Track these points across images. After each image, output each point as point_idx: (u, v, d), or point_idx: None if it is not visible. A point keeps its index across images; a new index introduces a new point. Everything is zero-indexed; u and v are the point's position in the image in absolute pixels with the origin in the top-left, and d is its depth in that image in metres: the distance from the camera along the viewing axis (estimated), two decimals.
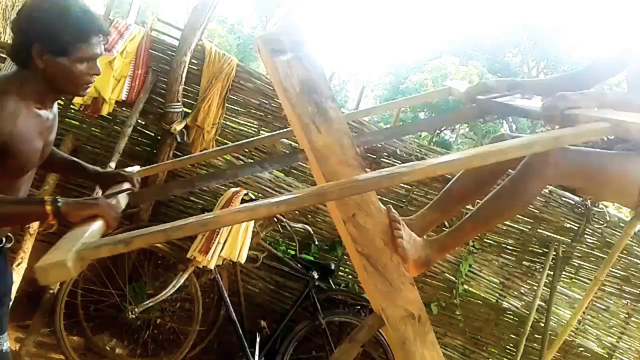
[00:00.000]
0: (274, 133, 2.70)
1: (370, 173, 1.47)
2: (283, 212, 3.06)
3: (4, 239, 1.78)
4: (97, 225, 1.42)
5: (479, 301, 3.98)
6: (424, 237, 1.91)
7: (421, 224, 2.03)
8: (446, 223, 3.35)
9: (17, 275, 3.02)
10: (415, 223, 2.01)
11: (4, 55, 3.29)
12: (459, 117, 2.52)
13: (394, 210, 1.74)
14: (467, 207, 3.01)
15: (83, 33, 1.54)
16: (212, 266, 3.17)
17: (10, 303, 2.02)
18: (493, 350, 4.03)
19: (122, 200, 1.78)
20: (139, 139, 3.65)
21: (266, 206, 1.34)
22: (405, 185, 3.84)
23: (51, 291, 3.13)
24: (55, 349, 3.16)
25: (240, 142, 2.53)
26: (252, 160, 3.66)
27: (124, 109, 3.56)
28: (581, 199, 3.87)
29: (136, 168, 2.13)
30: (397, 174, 1.41)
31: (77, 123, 3.61)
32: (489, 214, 1.83)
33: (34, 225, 3.12)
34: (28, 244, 3.09)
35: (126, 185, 1.89)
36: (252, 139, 3.34)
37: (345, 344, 2.07)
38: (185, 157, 2.56)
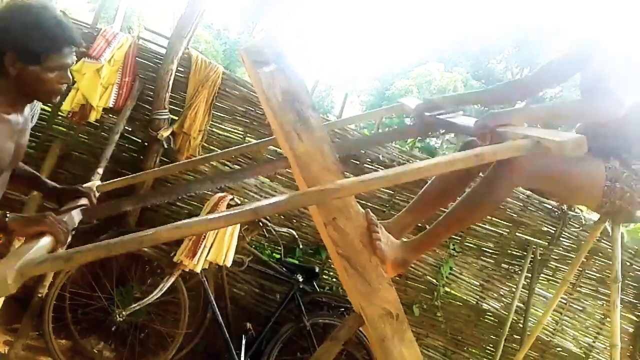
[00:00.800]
0: (259, 141, 2.79)
1: (347, 179, 1.57)
2: (263, 217, 3.15)
3: None
4: (45, 242, 1.45)
5: (459, 303, 4.08)
6: (401, 239, 2.00)
7: (398, 226, 2.12)
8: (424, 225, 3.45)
9: None
10: (393, 226, 2.11)
11: None
12: (405, 133, 2.58)
13: (372, 214, 1.84)
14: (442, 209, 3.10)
15: (55, 43, 1.59)
16: (198, 270, 3.23)
17: None
18: (473, 350, 4.13)
19: (76, 215, 1.83)
20: (127, 145, 3.71)
21: (248, 212, 1.43)
22: (388, 191, 3.93)
23: (40, 295, 3.18)
24: (43, 352, 3.20)
25: (227, 149, 2.62)
26: (238, 167, 3.74)
27: (111, 115, 3.63)
28: (557, 203, 3.99)
29: (97, 183, 2.18)
30: (371, 180, 1.51)
31: (64, 130, 3.67)
32: (460, 216, 1.93)
33: None
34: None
35: (82, 201, 1.93)
36: (237, 146, 3.42)
37: (327, 342, 2.15)
38: (170, 165, 2.64)
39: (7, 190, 1.83)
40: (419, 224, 2.84)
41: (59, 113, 3.59)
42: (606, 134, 2.00)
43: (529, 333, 4.01)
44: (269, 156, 3.78)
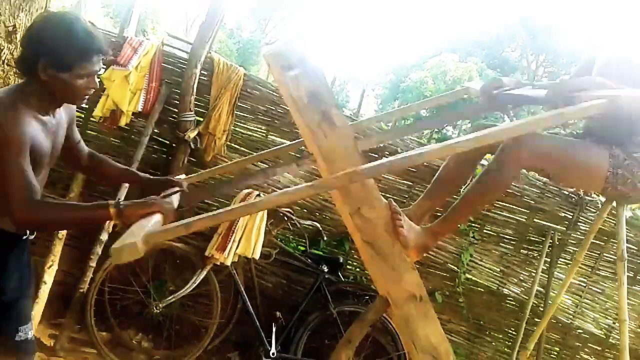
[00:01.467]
0: (292, 142, 2.89)
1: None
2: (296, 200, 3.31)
3: (28, 232, 1.99)
4: (157, 218, 1.66)
5: (480, 289, 4.20)
6: (421, 225, 2.14)
7: (418, 213, 2.26)
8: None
9: (49, 276, 3.27)
10: (413, 213, 2.25)
11: None
12: (476, 110, 2.66)
13: (395, 203, 1.98)
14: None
15: (84, 52, 1.75)
16: (228, 263, 3.40)
17: (35, 295, 2.19)
18: (495, 334, 4.25)
19: (175, 200, 2.04)
20: (155, 147, 3.88)
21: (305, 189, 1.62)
22: (407, 182, 4.06)
23: (81, 290, 3.37)
24: (86, 344, 3.40)
25: (267, 150, 2.78)
26: (266, 166, 3.88)
27: (140, 119, 3.79)
28: (575, 191, 4.08)
29: (182, 176, 2.38)
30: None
31: (97, 134, 3.85)
32: (472, 199, 2.06)
33: (63, 231, 3.37)
34: (57, 248, 3.33)
35: (176, 189, 2.13)
36: (273, 148, 3.59)
37: (356, 323, 2.31)
38: (219, 166, 2.80)
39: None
40: (437, 211, 2.96)
41: (91, 119, 3.77)
42: (611, 124, 2.11)
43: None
44: (293, 154, 3.92)
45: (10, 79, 3.64)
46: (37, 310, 3.16)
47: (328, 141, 1.89)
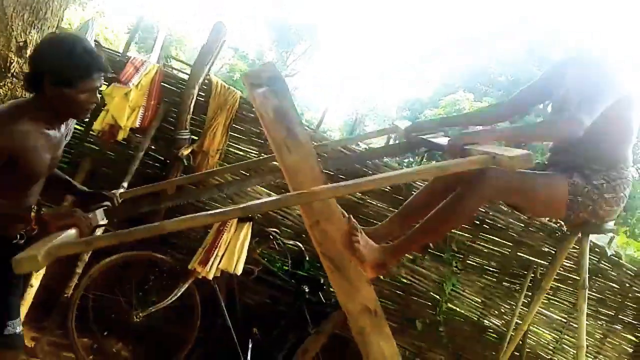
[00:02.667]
0: (267, 156, 3.04)
1: (323, 186, 1.83)
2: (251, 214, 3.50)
3: (18, 236, 2.12)
4: (71, 233, 1.74)
5: (461, 319, 4.24)
6: (381, 244, 2.22)
7: (380, 233, 2.35)
8: None
9: (36, 280, 3.38)
10: (376, 233, 2.34)
11: None
12: (394, 150, 2.83)
13: (354, 220, 2.08)
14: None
15: (85, 70, 1.93)
16: (210, 277, 3.50)
17: (23, 294, 2.31)
18: None
19: (99, 215, 2.14)
20: (150, 162, 4.02)
21: (237, 210, 1.70)
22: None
23: (65, 295, 3.48)
24: (66, 349, 3.49)
25: (234, 164, 2.90)
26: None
27: (137, 135, 3.94)
28: (558, 224, 4.14)
29: (120, 190, 2.49)
30: (342, 187, 1.78)
31: (95, 147, 4.01)
32: (435, 224, 2.14)
33: None
34: None
35: (105, 204, 2.26)
36: (242, 162, 3.72)
37: (313, 335, 2.39)
38: (185, 176, 2.92)
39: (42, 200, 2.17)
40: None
41: (90, 132, 3.92)
42: (570, 151, 2.21)
43: (529, 350, 4.15)
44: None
45: (17, 91, 3.82)
46: (22, 312, 3.25)
47: (292, 156, 2.00)
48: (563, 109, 2.22)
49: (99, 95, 2.05)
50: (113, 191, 2.40)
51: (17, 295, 2.30)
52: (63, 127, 2.13)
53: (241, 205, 1.70)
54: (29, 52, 3.76)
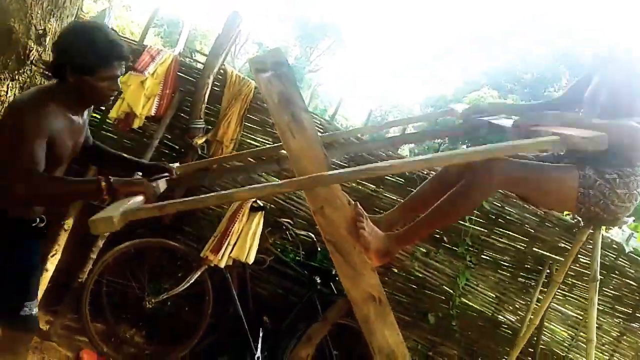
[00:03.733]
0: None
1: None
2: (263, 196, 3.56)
3: (37, 219, 2.17)
4: (139, 199, 1.83)
5: (475, 314, 4.19)
6: (387, 232, 2.21)
7: (388, 221, 2.34)
8: None
9: (52, 265, 3.44)
10: (383, 221, 2.33)
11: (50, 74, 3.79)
12: (450, 132, 2.80)
13: (360, 207, 2.07)
14: None
15: (106, 58, 1.97)
16: (222, 265, 3.51)
17: (41, 276, 2.37)
18: None
19: (162, 184, 2.25)
20: (165, 151, 4.05)
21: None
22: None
23: (79, 280, 3.53)
24: (80, 333, 3.55)
25: (244, 151, 2.90)
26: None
27: (152, 123, 3.98)
28: (575, 220, 4.07)
29: (176, 164, 2.56)
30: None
31: (111, 135, 4.06)
32: (441, 213, 2.13)
33: (68, 222, 3.55)
34: (62, 238, 3.51)
35: (166, 175, 2.35)
36: (252, 149, 3.73)
37: (318, 322, 2.38)
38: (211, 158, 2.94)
39: None
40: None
41: (107, 120, 3.97)
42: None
43: (543, 347, 4.09)
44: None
45: (36, 78, 3.89)
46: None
47: (296, 141, 2.00)
48: (595, 102, 2.17)
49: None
50: (171, 164, 2.48)
51: (37, 277, 2.36)
52: (85, 113, 2.17)
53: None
54: (48, 40, 3.82)
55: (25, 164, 1.86)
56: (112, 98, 2.16)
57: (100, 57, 1.95)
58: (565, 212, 4.05)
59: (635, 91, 2.08)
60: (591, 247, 3.94)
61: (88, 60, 1.93)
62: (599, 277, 2.38)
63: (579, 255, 4.11)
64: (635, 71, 2.13)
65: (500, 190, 4.06)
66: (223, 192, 1.82)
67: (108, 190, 1.86)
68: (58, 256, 3.48)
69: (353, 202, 2.07)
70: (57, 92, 2.00)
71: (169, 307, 3.83)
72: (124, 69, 2.09)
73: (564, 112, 2.11)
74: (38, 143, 1.88)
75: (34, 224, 2.16)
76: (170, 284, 3.73)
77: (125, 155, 2.48)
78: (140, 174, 2.31)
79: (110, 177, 1.87)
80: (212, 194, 1.75)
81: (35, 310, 2.27)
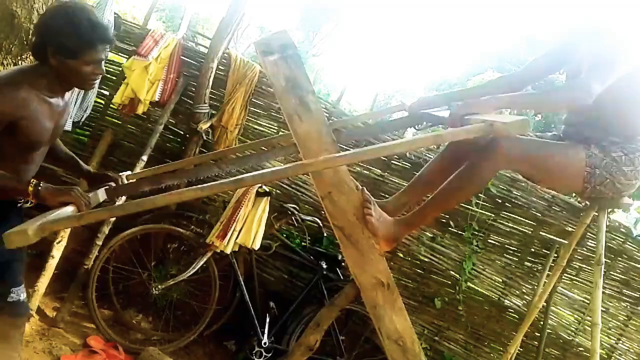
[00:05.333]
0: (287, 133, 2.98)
1: (336, 154, 1.79)
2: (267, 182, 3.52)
3: (22, 199, 2.12)
4: (68, 209, 1.75)
5: (481, 298, 4.17)
6: (394, 217, 2.19)
7: (394, 206, 2.32)
8: None
9: (57, 251, 3.43)
10: (389, 205, 2.30)
11: None
12: (398, 124, 2.78)
13: (367, 192, 2.04)
14: None
15: (89, 41, 1.89)
16: (228, 251, 3.50)
17: (24, 260, 2.32)
18: (494, 345, 4.21)
19: (100, 194, 2.15)
20: (170, 136, 4.04)
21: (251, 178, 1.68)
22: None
23: (85, 267, 3.53)
24: (87, 319, 3.55)
25: (253, 142, 2.87)
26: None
27: (156, 109, 3.96)
28: (582, 204, 4.03)
29: (127, 173, 2.48)
30: (352, 155, 1.74)
31: (115, 120, 4.04)
32: (446, 195, 2.10)
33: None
34: None
35: (110, 184, 2.26)
36: (263, 139, 3.69)
37: (326, 308, 2.37)
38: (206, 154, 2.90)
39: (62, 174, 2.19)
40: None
41: (111, 105, 3.95)
42: (585, 122, 2.13)
43: (550, 331, 4.08)
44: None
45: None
46: (43, 282, 3.32)
47: (303, 125, 1.97)
48: (575, 77, 2.12)
49: (104, 67, 2.03)
50: (120, 173, 2.41)
51: (22, 261, 2.29)
52: (68, 94, 2.11)
53: (254, 173, 1.68)
54: None
55: None
56: (97, 82, 2.09)
57: (84, 40, 1.87)
58: (573, 195, 4.01)
59: (599, 58, 1.98)
60: (613, 236, 3.98)
61: (71, 43, 1.85)
62: (604, 260, 2.35)
63: (586, 239, 4.09)
64: (606, 41, 2.03)
65: (507, 174, 4.04)
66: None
67: (34, 196, 1.81)
68: (64, 243, 3.47)
69: (360, 188, 2.04)
70: (36, 73, 1.92)
71: (176, 293, 3.83)
72: (108, 53, 2.04)
73: (499, 94, 2.05)
74: None
75: (18, 204, 2.12)
76: (177, 270, 3.73)
77: (77, 159, 2.38)
78: (85, 182, 2.23)
79: (41, 183, 1.82)
80: (166, 193, 1.61)
81: (23, 296, 2.22)
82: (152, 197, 1.59)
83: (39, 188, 1.81)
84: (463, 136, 1.60)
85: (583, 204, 4.00)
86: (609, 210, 2.62)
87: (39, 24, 1.94)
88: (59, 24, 1.87)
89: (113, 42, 2.04)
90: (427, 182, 2.34)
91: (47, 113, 1.97)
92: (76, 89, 2.28)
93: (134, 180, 2.45)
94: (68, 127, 3.62)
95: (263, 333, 3.58)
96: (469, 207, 4.03)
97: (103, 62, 1.99)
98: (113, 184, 2.28)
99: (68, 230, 3.49)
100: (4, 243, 1.50)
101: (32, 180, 1.83)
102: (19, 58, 3.68)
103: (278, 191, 4.01)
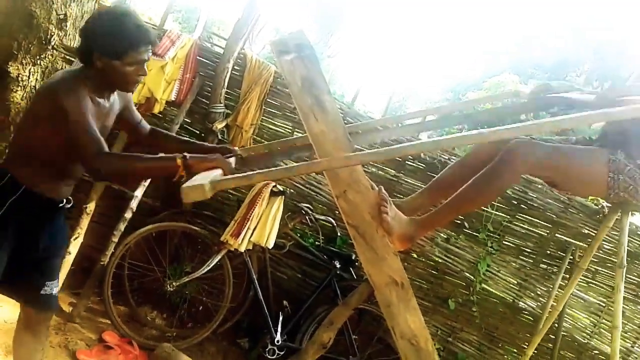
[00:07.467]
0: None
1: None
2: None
3: (64, 200, 2.19)
4: (219, 171, 1.83)
5: (495, 300, 4.15)
6: (410, 217, 2.19)
7: (411, 206, 2.31)
8: None
9: (74, 248, 3.47)
10: (406, 205, 2.30)
11: (71, 59, 3.80)
12: (521, 109, 2.67)
13: (384, 191, 2.04)
14: None
15: (133, 43, 1.98)
16: (242, 249, 3.52)
17: (64, 257, 2.39)
18: (508, 347, 4.19)
19: (233, 162, 2.21)
20: (186, 135, 4.06)
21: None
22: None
23: (102, 263, 3.57)
24: (102, 315, 3.59)
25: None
26: None
27: (172, 108, 3.99)
28: (599, 206, 4.00)
29: (236, 149, 2.52)
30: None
31: None
32: (464, 199, 2.08)
33: (90, 206, 3.58)
34: (85, 222, 3.54)
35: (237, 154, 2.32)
36: (286, 139, 3.70)
37: (340, 306, 2.37)
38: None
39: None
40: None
41: None
42: (619, 128, 2.11)
43: (565, 334, 4.05)
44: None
45: (58, 63, 3.92)
46: (60, 278, 3.35)
47: (318, 125, 1.98)
48: None
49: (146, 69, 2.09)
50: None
51: (60, 257, 2.39)
52: (113, 96, 2.17)
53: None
54: (68, 25, 3.84)
55: (89, 148, 1.88)
56: (138, 83, 2.15)
57: (129, 42, 1.96)
58: (591, 198, 3.98)
59: None
60: (615, 233, 3.94)
61: (116, 45, 1.95)
62: (625, 263, 2.33)
63: (603, 242, 4.06)
64: None
65: (523, 176, 4.01)
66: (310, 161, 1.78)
67: (184, 167, 1.87)
68: (80, 239, 3.52)
69: (377, 187, 2.05)
70: (83, 76, 2.01)
71: (190, 290, 3.86)
72: (151, 54, 2.09)
73: None
74: (89, 123, 1.90)
75: (60, 205, 2.18)
76: (191, 268, 3.76)
77: (187, 138, 2.47)
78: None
79: (186, 154, 1.88)
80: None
81: (55, 290, 2.29)
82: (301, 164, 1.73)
83: (187, 158, 1.86)
84: (631, 114, 1.54)
85: (600, 206, 3.98)
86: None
87: (85, 28, 2.02)
88: (105, 26, 1.95)
89: (155, 44, 2.11)
90: (445, 186, 2.33)
91: (96, 114, 2.04)
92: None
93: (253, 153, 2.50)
94: None
95: (276, 331, 3.60)
96: (484, 208, 4.01)
97: (146, 64, 2.06)
98: (234, 154, 2.31)
99: (85, 228, 3.54)
100: (183, 196, 1.53)
101: (176, 154, 1.88)
102: (37, 57, 3.74)
103: (292, 190, 4.02)
